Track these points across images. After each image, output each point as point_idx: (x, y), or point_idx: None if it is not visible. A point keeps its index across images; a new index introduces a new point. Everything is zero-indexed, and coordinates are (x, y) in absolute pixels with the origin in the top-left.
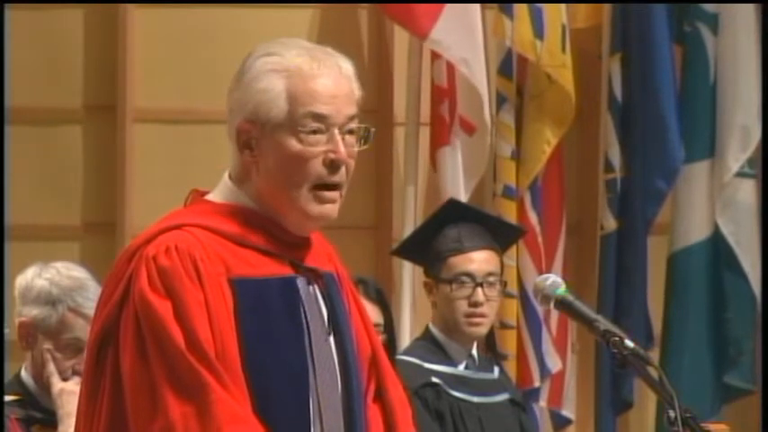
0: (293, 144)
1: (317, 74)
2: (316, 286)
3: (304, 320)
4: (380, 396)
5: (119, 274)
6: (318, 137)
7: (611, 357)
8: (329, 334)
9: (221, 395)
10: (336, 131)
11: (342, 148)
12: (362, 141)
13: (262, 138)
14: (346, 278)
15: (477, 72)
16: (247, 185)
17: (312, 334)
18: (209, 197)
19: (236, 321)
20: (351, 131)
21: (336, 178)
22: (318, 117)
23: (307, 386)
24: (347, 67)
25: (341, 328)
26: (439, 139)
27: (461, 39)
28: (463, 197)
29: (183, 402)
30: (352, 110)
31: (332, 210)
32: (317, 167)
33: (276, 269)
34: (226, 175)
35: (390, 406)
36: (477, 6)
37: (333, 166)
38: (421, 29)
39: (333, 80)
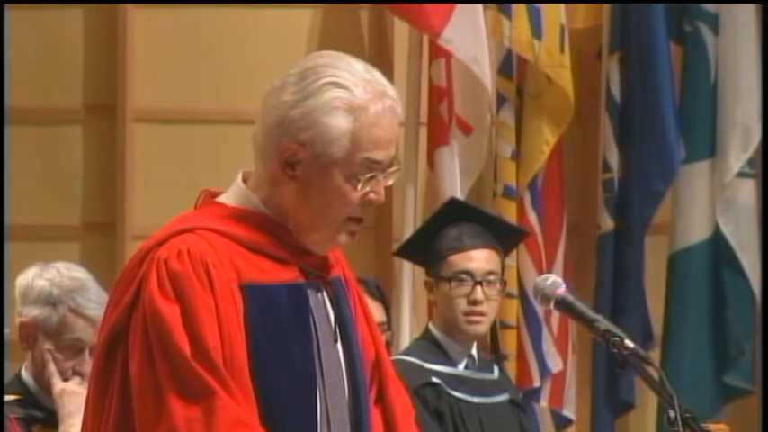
0: (345, 186)
1: (380, 117)
2: (324, 293)
3: (312, 327)
4: (382, 398)
5: (129, 276)
6: (367, 181)
7: (611, 357)
8: (336, 340)
9: (226, 401)
10: (381, 174)
11: (383, 191)
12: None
13: (311, 164)
14: (352, 279)
15: (486, 71)
16: (265, 192)
17: (320, 340)
18: (221, 199)
19: (246, 327)
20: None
21: (368, 213)
22: (374, 163)
23: (314, 392)
24: (398, 105)
25: (348, 334)
26: (437, 140)
27: (471, 38)
28: (461, 197)
29: (187, 407)
30: (395, 150)
31: (354, 237)
32: (357, 206)
33: (286, 275)
34: (239, 178)
35: (391, 408)
36: (480, 6)
37: (370, 204)
38: (433, 28)
39: (390, 125)
